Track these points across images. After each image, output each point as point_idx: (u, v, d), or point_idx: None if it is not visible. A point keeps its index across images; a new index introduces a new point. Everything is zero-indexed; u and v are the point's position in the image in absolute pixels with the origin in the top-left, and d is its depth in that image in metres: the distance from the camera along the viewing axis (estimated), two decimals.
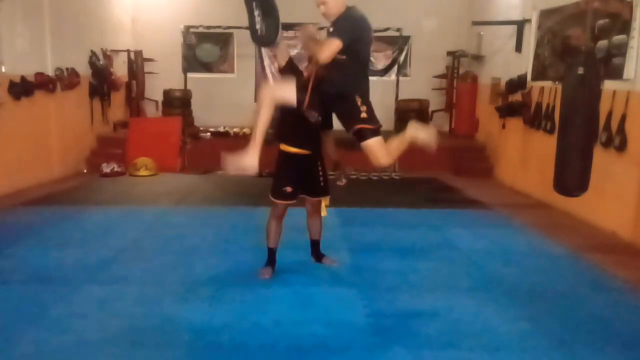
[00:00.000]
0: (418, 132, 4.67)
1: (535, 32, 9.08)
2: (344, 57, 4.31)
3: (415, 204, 8.36)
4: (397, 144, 4.63)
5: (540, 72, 8.96)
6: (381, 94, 12.33)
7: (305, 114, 4.53)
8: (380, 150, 4.47)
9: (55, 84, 9.76)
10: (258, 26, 4.67)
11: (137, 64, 12.81)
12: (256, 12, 4.64)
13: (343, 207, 7.47)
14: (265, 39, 4.87)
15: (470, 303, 4.75)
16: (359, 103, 4.47)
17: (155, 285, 5.02)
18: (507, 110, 10.02)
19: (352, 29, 4.34)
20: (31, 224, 6.92)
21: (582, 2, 7.26)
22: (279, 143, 5.12)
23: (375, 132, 4.47)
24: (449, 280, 5.29)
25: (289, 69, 5.04)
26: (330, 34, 4.31)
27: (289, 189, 5.04)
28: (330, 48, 4.21)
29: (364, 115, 4.45)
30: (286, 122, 5.03)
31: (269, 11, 4.66)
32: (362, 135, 4.45)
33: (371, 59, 11.27)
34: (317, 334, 4.14)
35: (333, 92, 4.51)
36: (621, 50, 6.73)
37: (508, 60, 10.36)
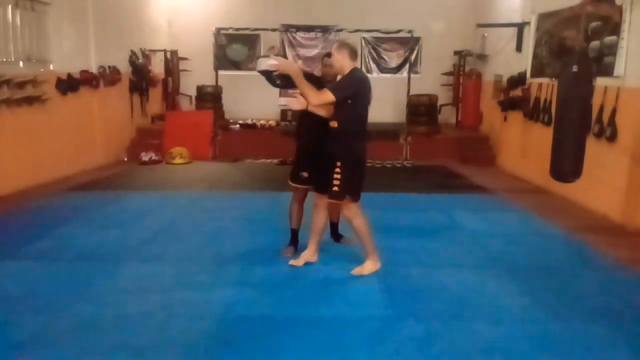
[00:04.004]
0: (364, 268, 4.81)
1: (534, 34, 9.01)
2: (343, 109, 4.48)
3: (425, 189, 8.31)
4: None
5: (538, 70, 8.88)
6: (394, 89, 12.34)
7: None
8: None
9: (98, 81, 9.79)
10: (278, 82, 4.78)
11: (172, 63, 12.82)
12: (278, 82, 4.77)
13: None
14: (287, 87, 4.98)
15: (475, 279, 4.75)
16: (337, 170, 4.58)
17: (189, 262, 5.06)
18: (508, 105, 9.95)
19: (349, 87, 4.51)
20: (77, 207, 6.98)
21: (576, 6, 7.17)
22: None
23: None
24: (455, 258, 5.28)
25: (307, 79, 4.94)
26: (329, 88, 4.49)
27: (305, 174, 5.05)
28: (321, 97, 4.42)
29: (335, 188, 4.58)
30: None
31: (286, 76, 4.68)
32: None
33: (385, 57, 11.34)
34: (336, 307, 4.16)
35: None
36: (612, 49, 6.71)
37: (509, 59, 10.24)
